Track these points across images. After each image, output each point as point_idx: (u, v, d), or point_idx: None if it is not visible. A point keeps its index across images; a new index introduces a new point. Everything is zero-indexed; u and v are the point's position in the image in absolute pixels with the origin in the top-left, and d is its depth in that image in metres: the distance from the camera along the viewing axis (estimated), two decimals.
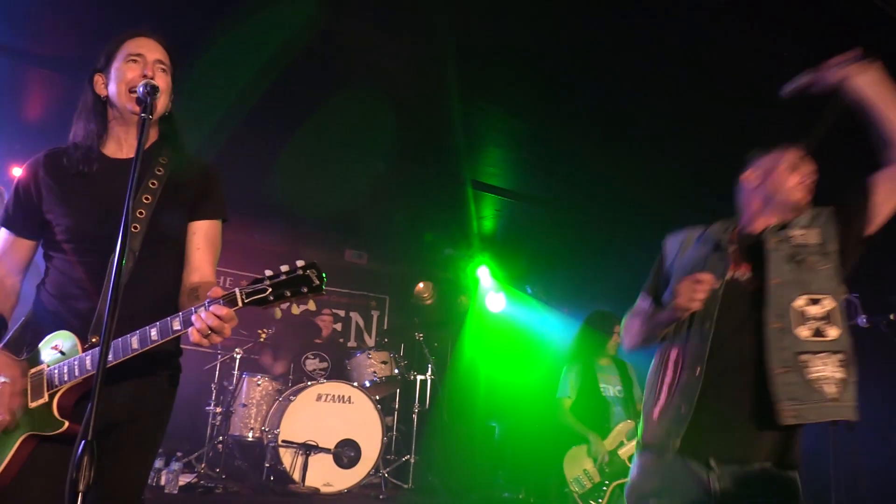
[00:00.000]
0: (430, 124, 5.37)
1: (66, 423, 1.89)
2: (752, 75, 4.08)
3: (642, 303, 2.59)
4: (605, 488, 4.72)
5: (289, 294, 1.76)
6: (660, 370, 2.42)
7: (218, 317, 1.75)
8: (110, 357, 1.80)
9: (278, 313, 1.87)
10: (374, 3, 3.95)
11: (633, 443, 4.65)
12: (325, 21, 4.13)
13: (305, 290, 1.76)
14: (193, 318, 1.77)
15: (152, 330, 1.84)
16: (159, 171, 2.13)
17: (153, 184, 2.11)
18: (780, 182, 2.39)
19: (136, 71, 2.08)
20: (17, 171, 6.37)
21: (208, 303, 1.76)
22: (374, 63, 4.54)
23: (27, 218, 2.13)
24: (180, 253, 2.16)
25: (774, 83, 2.40)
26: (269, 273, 1.78)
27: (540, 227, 7.42)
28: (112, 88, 2.11)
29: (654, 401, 2.39)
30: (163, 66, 2.13)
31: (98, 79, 2.16)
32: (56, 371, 1.92)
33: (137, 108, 2.00)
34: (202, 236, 2.18)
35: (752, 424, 2.20)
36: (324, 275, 1.77)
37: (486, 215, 7.26)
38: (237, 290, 1.76)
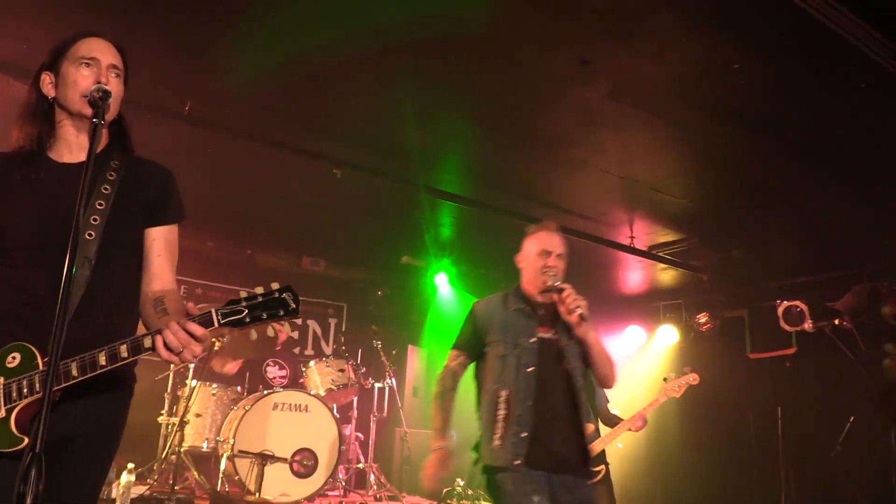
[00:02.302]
0: (386, 131, 5.36)
1: (26, 440, 1.81)
2: None
3: (451, 363, 3.26)
4: None
5: (265, 317, 1.75)
6: (494, 407, 3.07)
7: (194, 336, 1.74)
8: (76, 373, 1.78)
9: (253, 335, 1.85)
10: (344, 9, 3.93)
11: (595, 444, 4.69)
12: (281, 27, 4.10)
13: (282, 312, 1.76)
14: (167, 334, 1.75)
15: (122, 346, 1.80)
16: (111, 175, 2.06)
17: (106, 189, 2.03)
18: (534, 271, 3.24)
19: (89, 78, 2.01)
20: None
21: (184, 321, 1.74)
22: (332, 68, 4.52)
23: None
24: (138, 259, 2.10)
25: None
26: (244, 294, 1.76)
27: (497, 234, 7.46)
28: (63, 91, 2.04)
29: (493, 431, 3.04)
30: (116, 71, 2.08)
31: (45, 77, 2.07)
32: (14, 385, 1.84)
33: (90, 112, 1.94)
34: (162, 243, 2.12)
35: (572, 440, 3.03)
36: (299, 298, 1.77)
37: (444, 223, 7.27)
38: (213, 311, 1.75)
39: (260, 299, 1.76)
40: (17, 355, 1.88)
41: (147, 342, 1.80)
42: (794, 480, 6.87)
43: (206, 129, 5.18)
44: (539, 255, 3.25)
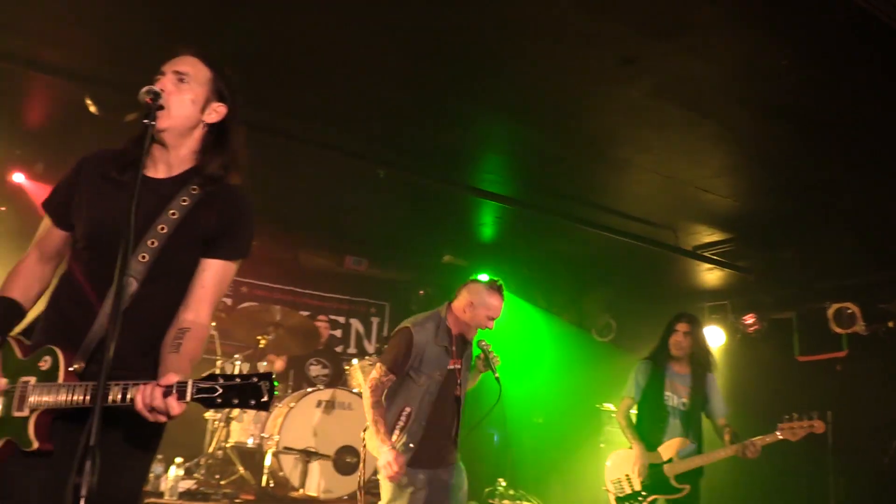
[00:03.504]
0: (429, 130, 5.38)
1: (36, 444, 1.88)
2: None
3: (381, 377, 3.89)
4: (641, 499, 4.66)
5: (236, 402, 1.74)
6: (396, 417, 3.86)
7: (163, 405, 1.72)
8: (78, 398, 1.84)
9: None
10: (386, 12, 3.96)
11: (686, 461, 4.58)
12: (324, 29, 4.15)
13: (252, 402, 1.74)
14: (141, 390, 1.75)
15: (115, 387, 1.80)
16: (185, 200, 2.07)
17: (173, 214, 2.05)
18: (479, 320, 4.03)
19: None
20: (19, 178, 6.39)
21: (159, 392, 1.73)
22: (374, 69, 4.56)
23: (61, 209, 2.15)
24: (186, 285, 2.10)
25: None
26: (223, 373, 1.76)
27: (540, 234, 7.44)
28: None
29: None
30: (181, 76, 2.09)
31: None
32: (39, 389, 1.91)
33: (154, 132, 1.98)
34: (212, 276, 2.11)
35: (451, 445, 4.03)
36: (275, 391, 1.77)
37: (486, 222, 7.27)
38: (189, 384, 1.74)
39: (237, 382, 1.75)
40: (49, 359, 1.95)
41: (132, 392, 1.79)
42: (843, 489, 6.69)
43: (251, 132, 5.25)
44: (487, 318, 4.04)
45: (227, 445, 5.85)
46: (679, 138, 5.10)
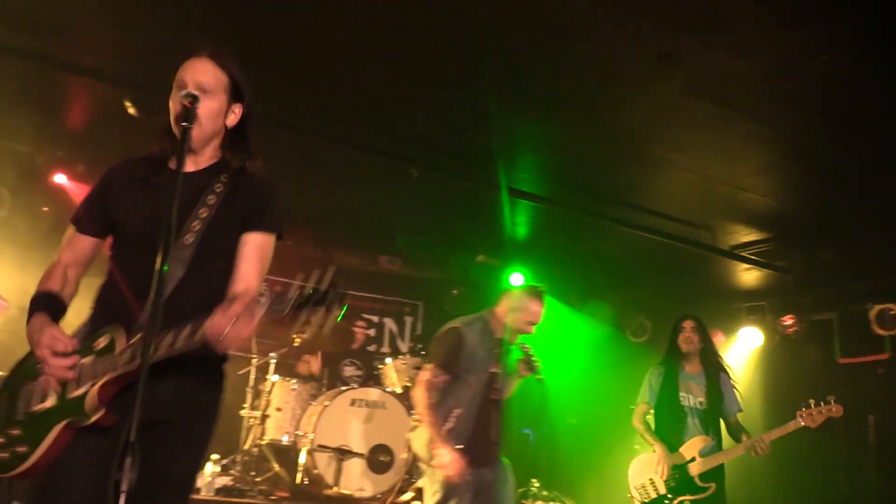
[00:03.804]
0: (464, 129, 5.39)
1: (103, 410, 1.96)
2: None
3: (434, 378, 4.01)
4: (667, 501, 4.63)
5: (307, 306, 1.77)
6: (445, 418, 3.94)
7: (236, 320, 1.79)
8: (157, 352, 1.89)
9: (297, 341, 1.90)
10: (411, 10, 3.98)
11: (708, 459, 4.57)
12: (357, 30, 4.18)
13: (323, 304, 1.77)
14: (210, 321, 1.83)
15: (187, 328, 1.90)
16: (218, 187, 2.22)
17: (210, 199, 2.19)
18: (520, 325, 4.19)
19: (177, 105, 2.14)
20: (60, 178, 6.54)
21: (228, 307, 1.82)
22: (408, 69, 4.57)
23: (91, 217, 2.28)
24: (230, 266, 2.20)
25: None
26: (295, 286, 1.79)
27: (574, 234, 7.40)
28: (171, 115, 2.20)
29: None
30: (204, 89, 2.17)
31: (171, 106, 2.24)
32: (100, 364, 2.00)
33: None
34: (253, 247, 2.22)
35: (495, 446, 3.99)
36: (344, 290, 1.79)
37: (520, 222, 7.25)
38: (261, 299, 1.81)
39: (309, 291, 1.78)
40: (106, 339, 2.05)
41: (186, 331, 1.89)
42: (886, 494, 6.54)
43: (288, 132, 5.32)
44: (528, 323, 4.19)
45: (263, 443, 5.92)
46: (715, 136, 5.04)
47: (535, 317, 4.21)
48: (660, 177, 5.93)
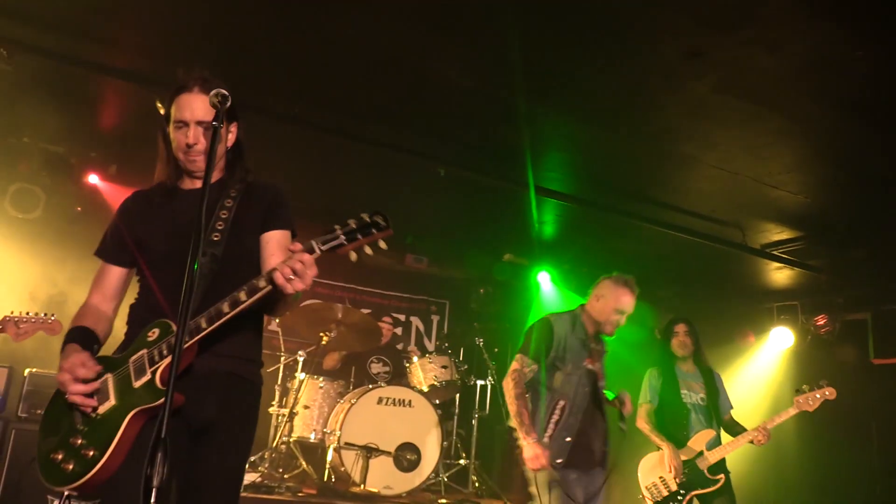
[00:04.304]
0: (491, 128, 5.38)
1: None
2: None
3: (524, 368, 3.90)
4: (680, 497, 4.64)
5: (359, 236, 1.98)
6: (550, 412, 3.85)
7: (301, 262, 1.95)
8: (205, 325, 2.05)
9: (353, 256, 2.04)
10: (437, 8, 3.98)
11: (714, 452, 4.64)
12: (383, 28, 4.19)
13: (374, 231, 1.99)
14: (282, 266, 1.97)
15: (240, 292, 2.04)
16: (233, 192, 2.39)
17: (228, 202, 2.36)
18: (608, 315, 4.06)
19: (182, 139, 2.32)
20: (93, 179, 6.64)
21: (291, 253, 1.98)
22: (434, 68, 4.58)
23: (117, 247, 2.42)
24: (256, 264, 2.33)
25: None
26: (338, 225, 2.00)
27: (602, 232, 7.35)
28: (173, 148, 2.38)
29: (545, 430, 3.83)
30: (204, 126, 2.31)
31: (161, 135, 2.42)
32: (156, 350, 2.12)
33: (192, 167, 2.36)
34: (275, 244, 2.36)
35: (603, 448, 3.99)
36: (388, 219, 2.02)
37: (547, 220, 7.22)
38: (313, 242, 1.98)
39: (353, 225, 1.99)
40: (157, 330, 2.17)
41: (261, 283, 2.03)
42: None
43: (313, 130, 5.35)
44: (616, 311, 4.04)
45: (290, 440, 5.97)
46: (746, 133, 4.97)
47: (622, 304, 4.06)
48: (689, 175, 5.87)
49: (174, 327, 2.10)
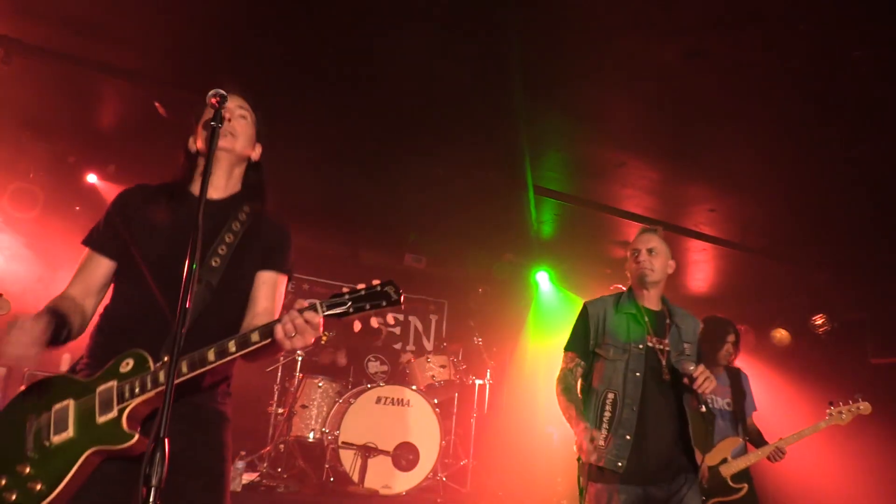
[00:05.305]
0: (489, 128, 5.38)
1: (136, 436, 1.90)
2: None
3: (568, 364, 3.39)
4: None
5: (368, 307, 1.88)
6: (599, 409, 3.27)
7: (306, 321, 1.87)
8: (185, 370, 1.91)
9: (357, 325, 1.97)
10: (436, 6, 3.98)
11: (739, 461, 4.53)
12: (384, 26, 4.19)
13: (384, 303, 1.89)
14: (285, 321, 1.89)
15: (230, 342, 1.93)
16: (242, 216, 2.31)
17: (235, 225, 2.27)
18: (631, 266, 3.45)
19: (211, 112, 2.08)
20: (92, 178, 6.64)
21: (297, 309, 1.89)
22: (434, 67, 4.57)
23: (110, 238, 2.25)
24: (246, 301, 2.27)
25: None
26: (346, 289, 1.91)
27: (600, 232, 7.35)
28: (199, 139, 2.31)
29: (599, 432, 3.18)
30: (242, 113, 2.31)
31: (190, 141, 2.36)
32: (126, 385, 1.95)
33: (205, 144, 2.22)
34: (269, 288, 2.30)
35: (673, 444, 3.24)
36: (400, 290, 1.90)
37: (546, 220, 7.22)
38: (318, 303, 1.89)
39: (363, 293, 1.89)
40: (131, 361, 2.00)
41: (254, 336, 1.92)
42: None
43: (314, 129, 5.35)
44: (630, 255, 3.49)
45: (289, 439, 5.97)
46: (743, 133, 4.97)
47: (635, 242, 3.51)
48: (687, 174, 5.87)
49: (151, 364, 1.96)
